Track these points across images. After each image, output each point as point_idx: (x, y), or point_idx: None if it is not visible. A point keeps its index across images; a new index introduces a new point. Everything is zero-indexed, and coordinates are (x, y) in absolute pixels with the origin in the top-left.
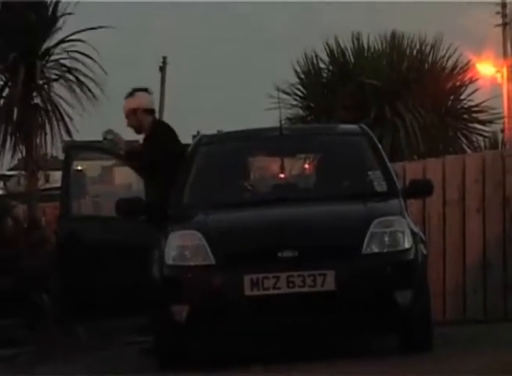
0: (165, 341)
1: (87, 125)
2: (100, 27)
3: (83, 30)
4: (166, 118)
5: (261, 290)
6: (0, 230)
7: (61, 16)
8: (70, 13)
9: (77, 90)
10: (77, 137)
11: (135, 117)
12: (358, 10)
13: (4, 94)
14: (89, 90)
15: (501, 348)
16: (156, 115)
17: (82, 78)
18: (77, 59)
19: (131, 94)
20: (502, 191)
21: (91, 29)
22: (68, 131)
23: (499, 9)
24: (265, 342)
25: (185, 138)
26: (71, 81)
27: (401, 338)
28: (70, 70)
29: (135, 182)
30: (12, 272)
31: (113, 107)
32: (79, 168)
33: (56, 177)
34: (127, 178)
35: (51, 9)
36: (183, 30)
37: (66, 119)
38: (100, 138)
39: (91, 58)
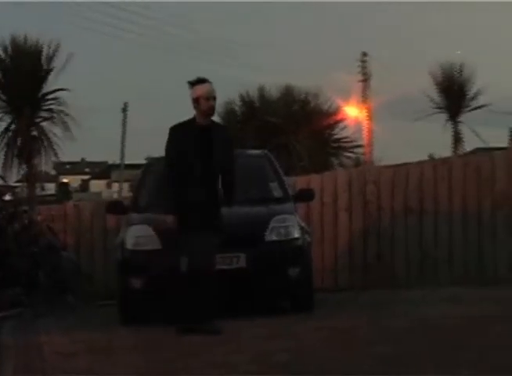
0: (125, 303)
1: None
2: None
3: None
4: (127, 144)
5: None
6: (11, 227)
7: (53, 69)
8: (63, 67)
9: (61, 125)
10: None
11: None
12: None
13: (10, 128)
14: (69, 126)
15: (364, 309)
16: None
17: (64, 117)
18: (62, 104)
19: (209, 81)
20: (363, 197)
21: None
22: (56, 155)
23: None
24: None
25: (140, 159)
26: (57, 119)
27: (292, 302)
28: (57, 111)
29: (104, 191)
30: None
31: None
32: (65, 180)
33: (48, 187)
34: (99, 188)
35: (46, 63)
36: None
37: (55, 146)
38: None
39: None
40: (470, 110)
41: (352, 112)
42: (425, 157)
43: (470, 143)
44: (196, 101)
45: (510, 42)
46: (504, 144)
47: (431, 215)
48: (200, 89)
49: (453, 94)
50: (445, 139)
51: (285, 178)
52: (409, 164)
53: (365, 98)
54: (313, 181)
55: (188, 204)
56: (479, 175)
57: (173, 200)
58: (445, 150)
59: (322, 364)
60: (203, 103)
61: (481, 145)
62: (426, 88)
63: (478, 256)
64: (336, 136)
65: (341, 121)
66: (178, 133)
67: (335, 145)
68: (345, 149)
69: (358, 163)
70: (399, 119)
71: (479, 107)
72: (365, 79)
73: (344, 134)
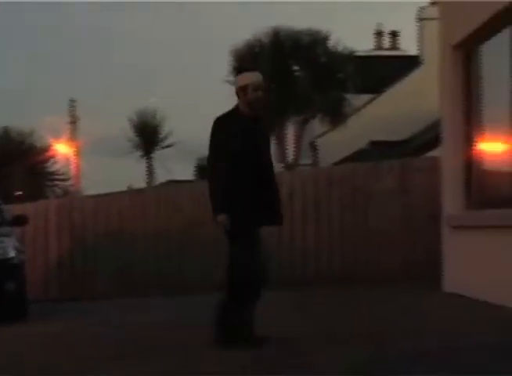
0: None
1: None
2: None
3: None
4: None
5: None
6: None
7: None
8: None
9: None
10: None
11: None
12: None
13: None
14: None
15: (72, 316)
16: None
17: None
18: None
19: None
20: (70, 221)
21: None
22: None
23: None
24: None
25: None
26: None
27: (8, 312)
28: None
29: None
30: None
31: None
32: None
33: None
34: None
35: None
36: None
37: None
38: None
39: None
40: (161, 148)
41: (62, 149)
42: (125, 188)
43: (163, 176)
44: (242, 89)
45: (194, 94)
46: (191, 177)
47: (129, 236)
48: (250, 77)
49: (147, 135)
50: (142, 173)
51: (3, 205)
52: (111, 194)
53: (73, 137)
54: (28, 208)
55: (244, 202)
56: (169, 203)
57: (222, 197)
58: (142, 182)
59: (40, 366)
60: (252, 92)
61: (172, 177)
62: (125, 129)
63: (170, 269)
64: (48, 170)
65: (52, 156)
66: (225, 124)
67: (48, 177)
68: (56, 180)
69: (67, 193)
70: (104, 155)
71: (169, 146)
72: (74, 121)
73: (55, 168)
